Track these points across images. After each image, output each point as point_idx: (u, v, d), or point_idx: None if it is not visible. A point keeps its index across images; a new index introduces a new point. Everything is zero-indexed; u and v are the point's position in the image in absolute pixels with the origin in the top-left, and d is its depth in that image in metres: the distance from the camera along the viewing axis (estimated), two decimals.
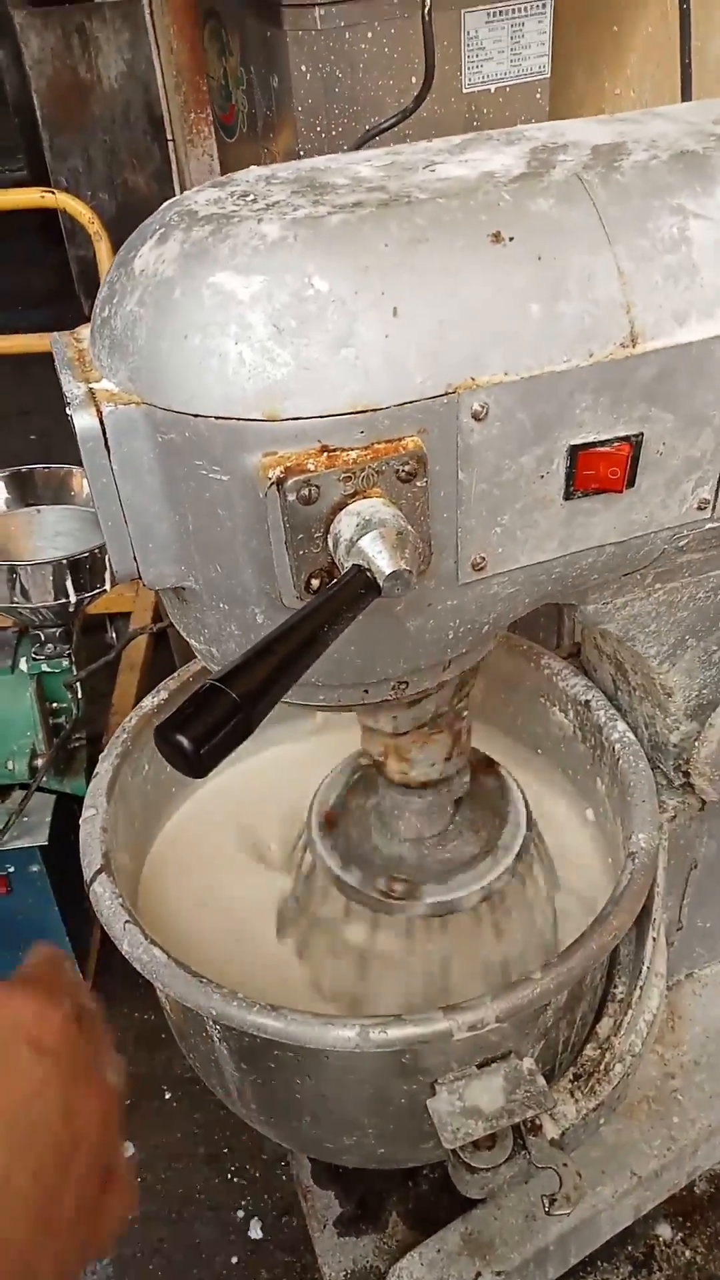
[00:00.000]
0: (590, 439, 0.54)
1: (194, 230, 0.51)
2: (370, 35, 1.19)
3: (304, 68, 1.20)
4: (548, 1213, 0.73)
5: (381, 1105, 0.76)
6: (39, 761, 1.25)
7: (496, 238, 0.50)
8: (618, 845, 0.84)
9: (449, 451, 0.52)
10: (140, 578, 0.58)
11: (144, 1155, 1.48)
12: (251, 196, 0.53)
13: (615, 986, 0.89)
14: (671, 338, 0.52)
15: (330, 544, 0.50)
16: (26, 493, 1.30)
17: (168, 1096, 1.55)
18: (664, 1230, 1.13)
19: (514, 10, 1.24)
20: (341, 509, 0.50)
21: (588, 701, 0.92)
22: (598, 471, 0.55)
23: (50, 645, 1.27)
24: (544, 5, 1.25)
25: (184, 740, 0.39)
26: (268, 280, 0.48)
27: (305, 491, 0.49)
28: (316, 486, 0.49)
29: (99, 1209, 0.38)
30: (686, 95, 1.12)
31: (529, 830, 0.87)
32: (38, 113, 3.57)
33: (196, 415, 0.50)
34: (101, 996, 1.44)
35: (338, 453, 0.49)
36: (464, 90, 1.27)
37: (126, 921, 0.74)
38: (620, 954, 0.91)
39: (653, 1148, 1.01)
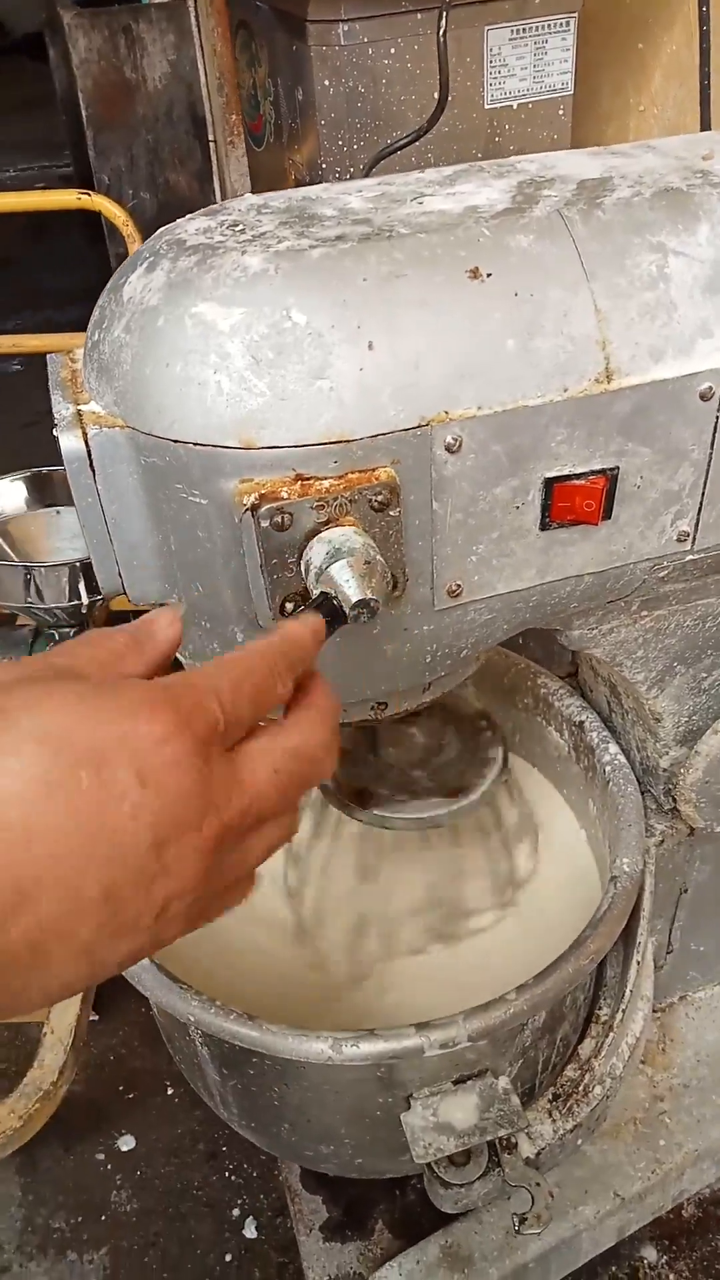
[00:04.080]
0: (566, 472, 0.55)
1: (180, 260, 0.52)
2: (393, 51, 1.20)
3: (327, 82, 1.21)
4: (518, 1231, 0.74)
5: (358, 1116, 0.77)
6: None
7: (474, 273, 0.51)
8: (607, 867, 0.84)
9: (423, 482, 0.52)
10: (125, 594, 0.60)
11: (144, 1149, 1.50)
12: (240, 226, 0.54)
13: (600, 1008, 0.90)
14: (647, 374, 0.53)
15: (303, 569, 0.51)
16: (46, 494, 1.32)
17: (170, 1092, 1.57)
18: (649, 1253, 1.13)
19: (537, 28, 1.24)
20: (314, 536, 0.51)
21: (582, 723, 0.92)
22: (573, 504, 0.55)
23: None
24: (568, 23, 1.25)
25: None
26: (247, 312, 0.50)
27: (279, 518, 0.50)
28: (290, 514, 0.50)
29: (166, 931, 0.38)
30: (705, 115, 1.12)
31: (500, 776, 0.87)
32: (83, 111, 3.61)
33: (176, 441, 0.51)
34: (106, 991, 1.44)
35: (311, 481, 0.50)
36: (486, 106, 1.28)
37: None
38: (606, 975, 0.92)
39: (637, 1170, 1.01)
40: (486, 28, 1.22)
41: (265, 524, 0.50)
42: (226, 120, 2.96)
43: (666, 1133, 1.04)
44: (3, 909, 0.33)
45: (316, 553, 0.50)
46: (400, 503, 0.52)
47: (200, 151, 3.56)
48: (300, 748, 0.41)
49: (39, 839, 0.34)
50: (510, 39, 1.25)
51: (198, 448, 0.51)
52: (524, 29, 1.24)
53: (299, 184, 1.40)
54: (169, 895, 0.37)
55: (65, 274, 4.41)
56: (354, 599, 0.48)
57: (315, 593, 0.50)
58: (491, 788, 0.83)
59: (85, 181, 3.82)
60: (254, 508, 0.50)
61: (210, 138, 3.34)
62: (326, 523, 0.51)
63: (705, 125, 1.16)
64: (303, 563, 0.51)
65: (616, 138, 1.49)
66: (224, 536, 0.53)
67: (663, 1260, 1.13)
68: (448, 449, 0.52)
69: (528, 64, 1.27)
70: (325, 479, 0.50)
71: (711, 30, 1.07)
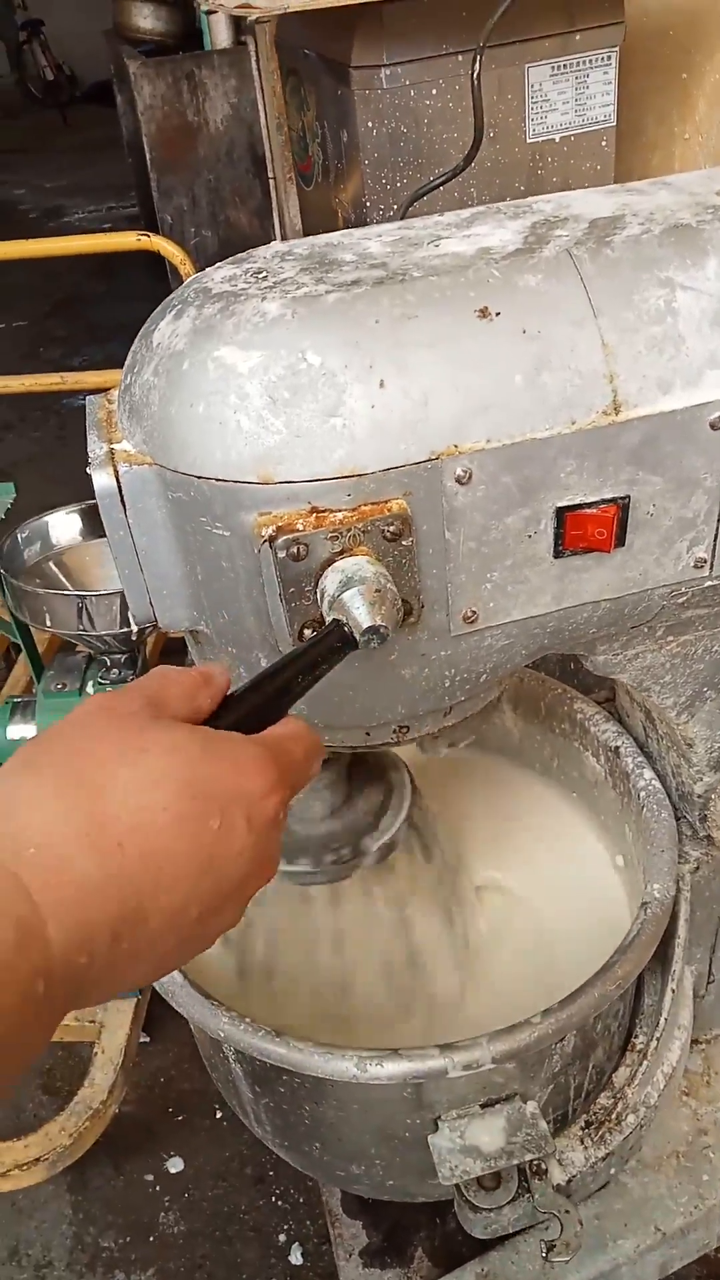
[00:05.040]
0: (577, 501, 0.56)
1: (205, 307, 0.55)
2: (434, 92, 1.23)
3: (370, 124, 1.25)
4: (545, 1259, 0.74)
5: (387, 1137, 0.77)
6: None
7: (484, 313, 0.53)
8: (640, 894, 0.84)
9: (435, 513, 0.54)
10: (156, 621, 0.62)
11: (192, 1171, 1.52)
12: (264, 273, 0.57)
13: (636, 1036, 0.89)
14: (655, 406, 0.54)
15: (318, 597, 0.54)
16: (99, 526, 1.37)
17: (218, 1115, 1.58)
18: None
19: (578, 63, 1.26)
20: (329, 565, 0.53)
21: (618, 748, 0.92)
22: (585, 532, 0.56)
23: (115, 670, 1.33)
24: (609, 57, 1.27)
25: None
26: (265, 355, 0.52)
27: (295, 549, 0.53)
28: (305, 545, 0.53)
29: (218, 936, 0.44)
30: None
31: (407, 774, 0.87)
32: (147, 155, 3.74)
33: (200, 477, 0.54)
34: (157, 1012, 1.47)
35: (326, 514, 0.53)
36: (528, 141, 1.30)
37: None
38: (644, 1004, 0.91)
39: (679, 1204, 0.99)
40: (527, 65, 1.25)
41: (282, 554, 0.53)
42: (285, 158, 3.04)
43: (710, 1167, 1.02)
44: (124, 924, 0.38)
45: (330, 581, 0.52)
46: (413, 533, 0.54)
47: (260, 189, 3.66)
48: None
49: (168, 872, 0.39)
50: (551, 75, 1.27)
51: (219, 483, 0.53)
52: (565, 65, 1.27)
53: (346, 221, 1.44)
54: (233, 920, 0.44)
55: (130, 310, 4.55)
56: (364, 625, 0.50)
57: (329, 619, 0.52)
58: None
59: (150, 221, 3.94)
60: (271, 539, 0.53)
61: (270, 175, 3.42)
62: (341, 553, 0.53)
63: None
64: (318, 591, 0.53)
65: (662, 166, 1.50)
66: (245, 566, 0.56)
67: None
68: (458, 481, 0.53)
69: (569, 98, 1.29)
70: (339, 511, 0.53)
71: None
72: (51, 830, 0.38)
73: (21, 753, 0.41)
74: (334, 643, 0.50)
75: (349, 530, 0.53)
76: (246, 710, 0.47)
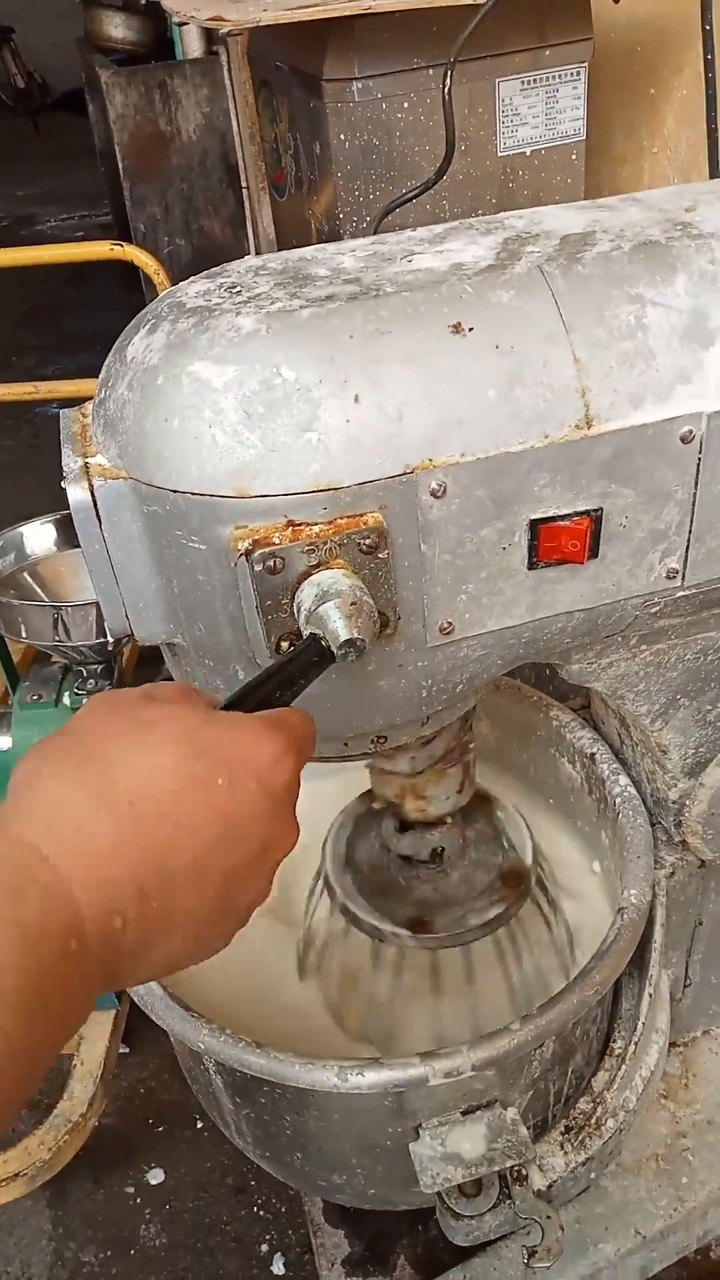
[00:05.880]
0: (550, 513, 0.57)
1: (180, 322, 0.55)
2: (406, 105, 1.24)
3: (343, 136, 1.26)
4: (527, 1264, 0.74)
5: (369, 1146, 0.78)
6: None
7: (457, 329, 0.54)
8: (618, 899, 0.85)
9: (410, 526, 0.55)
10: (132, 634, 0.62)
11: (172, 1183, 1.51)
12: (238, 288, 0.58)
13: (614, 1041, 0.90)
14: (627, 420, 0.55)
15: (295, 610, 0.54)
16: (75, 536, 1.37)
17: (199, 1126, 1.57)
18: None
19: (548, 78, 1.28)
20: (305, 578, 0.53)
21: (593, 755, 0.93)
22: (559, 544, 0.57)
23: (92, 681, 1.33)
24: (578, 72, 1.28)
25: None
26: (240, 370, 0.53)
27: (271, 562, 0.53)
28: (282, 558, 0.53)
29: (245, 922, 0.46)
30: (713, 159, 1.14)
31: (535, 857, 0.89)
32: (119, 163, 3.73)
33: (175, 491, 0.54)
34: (137, 1024, 1.46)
35: (302, 527, 0.53)
36: (499, 154, 1.31)
37: None
38: (622, 1009, 0.92)
39: (659, 1207, 1.00)
40: (498, 80, 1.26)
41: (259, 568, 0.53)
42: (258, 168, 3.05)
43: (689, 1170, 1.03)
44: (148, 882, 0.40)
45: (307, 594, 0.52)
46: (388, 545, 0.54)
47: (234, 198, 3.66)
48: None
49: (183, 827, 0.41)
50: (522, 89, 1.28)
51: (195, 497, 0.54)
52: (535, 79, 1.28)
53: (319, 232, 1.45)
54: (262, 890, 0.45)
55: (103, 319, 4.53)
56: (341, 638, 0.51)
57: (305, 632, 0.52)
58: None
59: (123, 230, 3.93)
60: (248, 553, 0.53)
61: (244, 185, 3.42)
62: (317, 566, 0.53)
63: (714, 169, 1.18)
64: (295, 604, 0.54)
65: (631, 180, 1.52)
66: (222, 580, 0.56)
67: None
68: (433, 494, 0.54)
69: (539, 112, 1.31)
70: (315, 524, 0.53)
71: (718, 76, 1.10)
72: (65, 801, 0.40)
73: (33, 746, 0.43)
74: (312, 657, 0.50)
75: (325, 543, 0.53)
76: None
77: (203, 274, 0.61)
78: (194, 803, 0.41)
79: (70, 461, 0.58)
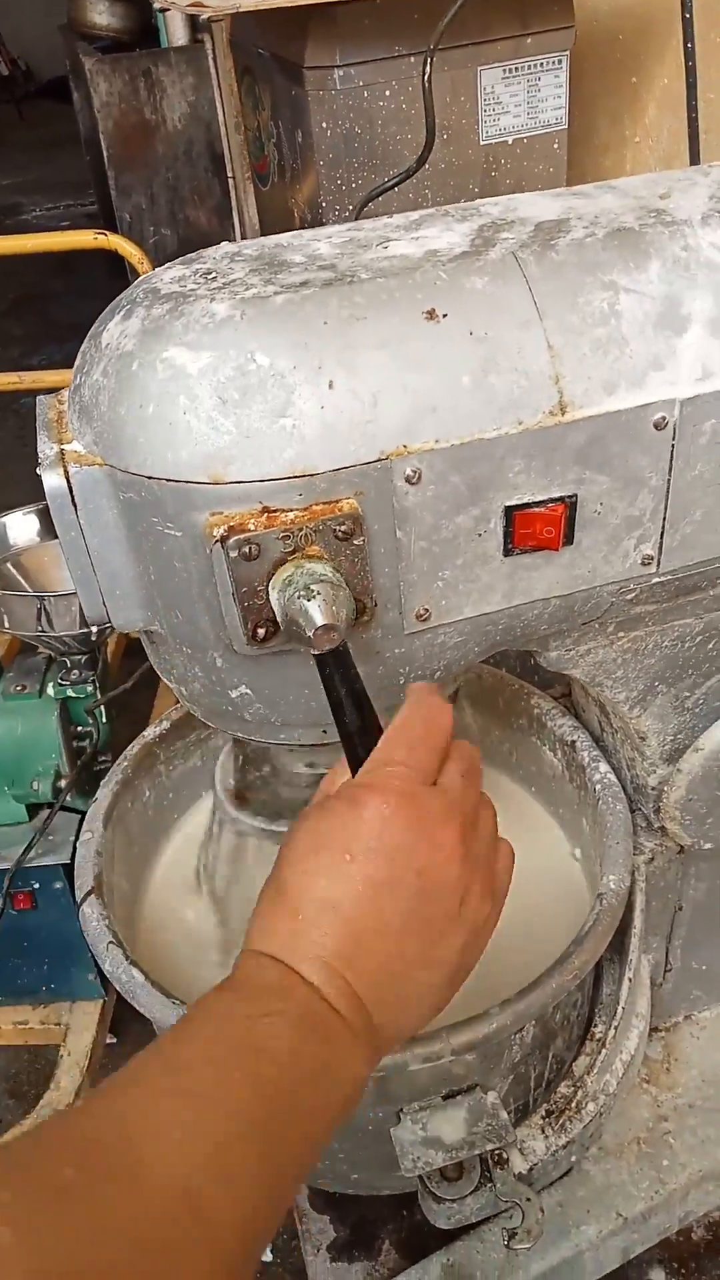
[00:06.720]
0: (525, 500, 0.57)
1: (154, 308, 0.55)
2: (387, 93, 1.24)
3: (324, 124, 1.26)
4: (508, 1246, 0.75)
5: (351, 1131, 0.78)
6: (63, 782, 1.30)
7: (431, 315, 0.54)
8: (598, 884, 0.86)
9: (385, 512, 0.55)
10: (110, 622, 0.62)
11: None
12: (213, 275, 0.58)
13: (595, 1025, 0.90)
14: (600, 406, 0.55)
15: (270, 597, 0.54)
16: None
17: None
18: (658, 1276, 1.13)
19: (530, 66, 1.27)
20: (281, 565, 0.54)
21: (574, 742, 0.93)
22: (534, 530, 0.57)
23: (75, 671, 1.32)
24: (560, 61, 1.28)
25: None
26: (214, 356, 0.52)
27: (247, 549, 0.53)
28: (257, 544, 0.53)
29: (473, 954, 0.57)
30: (694, 147, 1.14)
31: None
32: (104, 152, 3.71)
33: (151, 477, 0.54)
34: (124, 1015, 1.45)
35: (277, 513, 0.53)
36: (481, 142, 1.31)
37: (110, 943, 0.78)
38: (603, 993, 0.92)
39: (640, 1190, 1.01)
40: (479, 68, 1.26)
41: (234, 554, 0.53)
42: (244, 157, 3.03)
43: (670, 1153, 1.04)
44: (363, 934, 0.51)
45: (282, 581, 0.53)
46: (364, 532, 0.55)
47: (219, 188, 3.64)
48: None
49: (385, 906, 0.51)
50: (504, 78, 1.28)
51: (170, 483, 0.54)
52: (516, 68, 1.28)
53: (303, 220, 1.44)
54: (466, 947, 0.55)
55: (89, 309, 4.50)
56: (318, 624, 0.51)
57: (282, 619, 0.53)
58: None
59: (109, 219, 3.91)
60: (223, 539, 0.53)
61: (229, 174, 3.41)
62: (293, 552, 0.54)
63: (695, 157, 1.18)
64: (270, 590, 0.54)
65: (614, 169, 1.52)
66: (198, 566, 0.56)
67: None
68: (408, 480, 0.54)
69: (521, 101, 1.31)
70: (290, 511, 0.53)
71: (698, 64, 1.10)
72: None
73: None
74: (339, 662, 0.52)
75: (300, 530, 0.53)
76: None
77: (178, 260, 0.61)
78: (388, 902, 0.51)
79: (46, 448, 0.58)
